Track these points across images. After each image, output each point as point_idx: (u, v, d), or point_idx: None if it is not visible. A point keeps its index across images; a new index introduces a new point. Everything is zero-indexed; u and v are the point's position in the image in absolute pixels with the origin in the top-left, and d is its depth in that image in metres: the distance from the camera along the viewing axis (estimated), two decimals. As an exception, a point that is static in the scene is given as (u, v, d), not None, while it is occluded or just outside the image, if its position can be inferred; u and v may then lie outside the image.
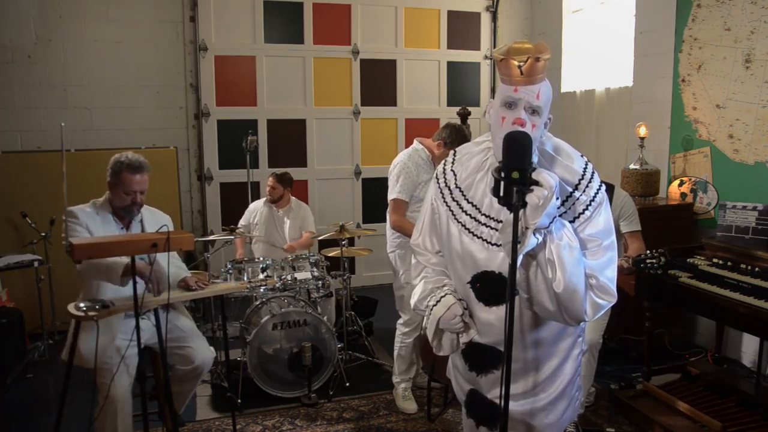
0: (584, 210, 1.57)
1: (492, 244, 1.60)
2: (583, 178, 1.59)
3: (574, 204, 1.57)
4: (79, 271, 2.53)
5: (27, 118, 4.99)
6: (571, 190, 1.58)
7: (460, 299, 1.71)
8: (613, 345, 4.07)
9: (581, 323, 1.61)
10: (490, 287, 1.62)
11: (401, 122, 6.03)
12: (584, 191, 1.58)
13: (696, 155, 4.24)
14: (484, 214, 1.63)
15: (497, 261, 1.60)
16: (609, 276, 1.57)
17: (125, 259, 2.47)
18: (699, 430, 2.94)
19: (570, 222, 1.56)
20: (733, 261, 3.18)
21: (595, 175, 1.61)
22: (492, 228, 1.60)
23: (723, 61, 3.98)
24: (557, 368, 1.72)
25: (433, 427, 3.25)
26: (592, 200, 1.58)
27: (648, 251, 2.89)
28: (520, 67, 1.48)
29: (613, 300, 1.57)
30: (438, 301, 1.70)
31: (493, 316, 1.64)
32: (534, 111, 1.51)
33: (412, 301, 1.83)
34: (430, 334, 1.74)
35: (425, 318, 1.75)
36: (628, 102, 4.85)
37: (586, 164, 1.62)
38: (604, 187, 1.62)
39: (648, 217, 3.92)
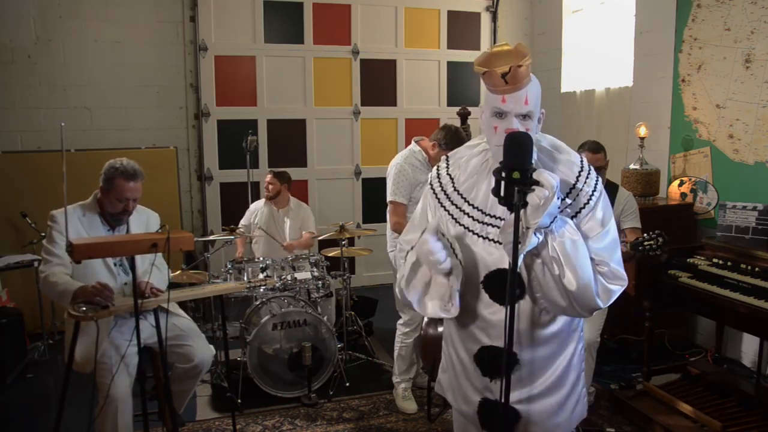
0: (588, 200, 1.60)
1: (500, 243, 1.58)
2: (582, 170, 1.62)
3: (578, 195, 1.60)
4: (40, 289, 2.56)
5: (27, 118, 4.99)
6: (573, 182, 1.60)
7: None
8: (613, 345, 4.07)
9: (593, 312, 1.60)
10: (505, 285, 1.56)
11: (401, 122, 6.03)
12: (585, 182, 1.61)
13: (696, 155, 4.24)
14: (488, 215, 1.63)
15: (508, 258, 1.56)
16: (616, 259, 1.60)
17: (77, 284, 2.47)
18: (699, 430, 2.95)
19: (576, 213, 1.59)
20: (733, 261, 3.18)
21: (592, 168, 1.66)
22: (498, 227, 1.59)
23: (723, 61, 3.97)
24: (567, 366, 1.70)
25: (433, 427, 3.25)
26: (594, 191, 1.61)
27: (645, 234, 2.87)
28: (504, 76, 1.47)
29: (625, 284, 1.59)
30: (413, 247, 1.66)
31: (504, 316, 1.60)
32: (525, 116, 1.53)
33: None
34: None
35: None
36: (628, 102, 4.85)
37: (582, 158, 1.66)
38: (600, 178, 1.66)
39: (648, 217, 3.92)
